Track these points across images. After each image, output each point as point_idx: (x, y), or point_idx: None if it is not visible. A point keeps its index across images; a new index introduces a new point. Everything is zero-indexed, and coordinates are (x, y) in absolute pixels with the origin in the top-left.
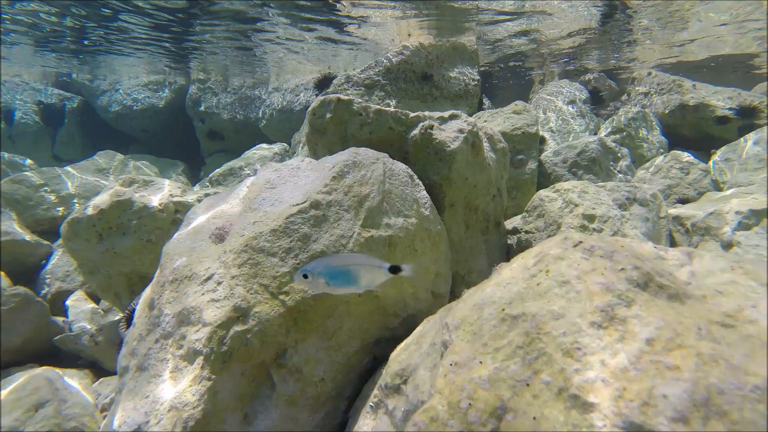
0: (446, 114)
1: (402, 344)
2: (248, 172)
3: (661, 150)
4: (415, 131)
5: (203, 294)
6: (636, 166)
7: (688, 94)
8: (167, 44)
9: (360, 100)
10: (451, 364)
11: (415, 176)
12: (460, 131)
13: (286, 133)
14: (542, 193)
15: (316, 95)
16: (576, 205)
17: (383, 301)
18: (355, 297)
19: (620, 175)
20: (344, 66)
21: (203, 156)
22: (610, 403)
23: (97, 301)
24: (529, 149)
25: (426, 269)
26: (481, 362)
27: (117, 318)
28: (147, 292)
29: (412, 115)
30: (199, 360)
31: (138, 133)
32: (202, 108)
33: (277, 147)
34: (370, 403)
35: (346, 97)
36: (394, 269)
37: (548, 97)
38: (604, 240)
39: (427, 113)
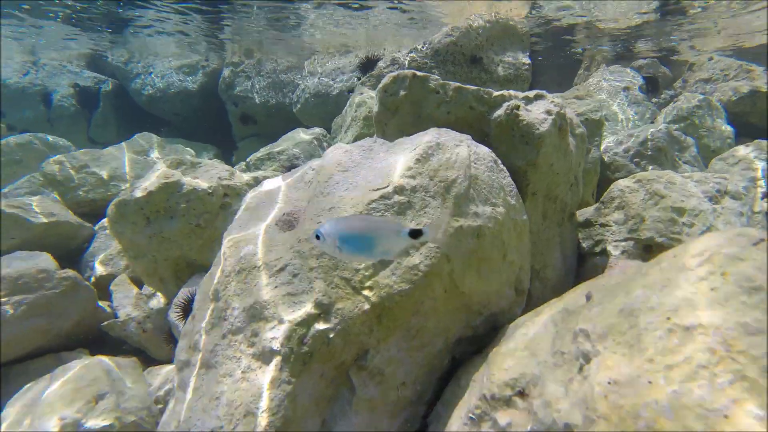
0: (531, 94)
1: (499, 349)
2: (285, 156)
3: (729, 140)
4: (500, 111)
5: (276, 287)
6: (701, 156)
7: (759, 80)
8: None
9: (437, 77)
10: (609, 383)
11: (499, 161)
12: (548, 113)
13: (321, 117)
14: (621, 183)
15: (358, 78)
16: (662, 197)
17: (469, 298)
18: (442, 292)
19: (686, 166)
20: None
21: (235, 140)
22: None
23: (139, 286)
24: (593, 137)
25: (511, 263)
26: (650, 382)
27: (162, 304)
28: (207, 282)
29: (496, 93)
30: (277, 361)
31: (170, 117)
32: (236, 91)
33: (314, 131)
34: (470, 415)
35: (422, 74)
36: (415, 233)
37: (599, 82)
38: None
39: (512, 92)
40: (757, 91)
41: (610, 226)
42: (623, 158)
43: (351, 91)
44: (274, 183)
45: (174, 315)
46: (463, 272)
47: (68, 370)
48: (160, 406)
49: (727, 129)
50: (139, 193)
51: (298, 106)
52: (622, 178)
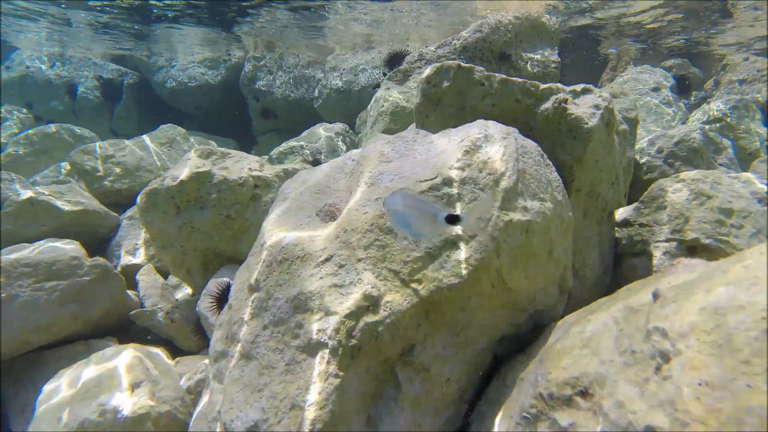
0: (578, 87)
1: (553, 347)
2: (308, 151)
3: (766, 142)
4: (547, 104)
5: (322, 278)
6: (737, 158)
7: None
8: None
9: (481, 68)
10: (699, 384)
11: (545, 155)
12: (596, 107)
13: (343, 113)
14: (663, 182)
15: (384, 74)
16: (709, 197)
17: (515, 294)
18: (489, 288)
19: (723, 169)
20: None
21: (255, 135)
22: None
23: (165, 275)
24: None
25: (557, 261)
26: (750, 386)
27: (188, 295)
28: (244, 272)
29: (543, 86)
30: (324, 353)
31: (192, 110)
32: (257, 86)
33: (337, 126)
34: (524, 414)
35: (466, 65)
36: (452, 219)
37: (628, 82)
38: None
39: (559, 85)
40: None
41: (651, 226)
42: (656, 159)
43: (375, 87)
44: (311, 173)
45: (205, 305)
46: (511, 268)
47: (104, 358)
48: (191, 396)
49: (764, 131)
50: (170, 182)
51: (320, 101)
52: (654, 179)
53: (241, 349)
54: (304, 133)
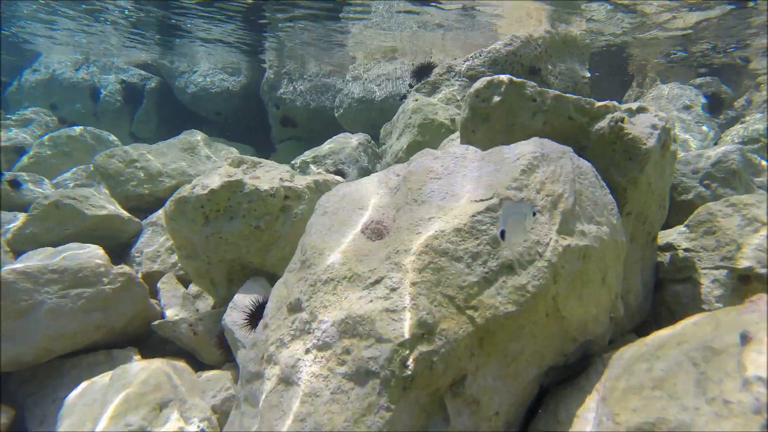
0: (633, 106)
1: (617, 384)
2: (330, 161)
3: None
4: (602, 123)
5: (372, 301)
6: None
7: None
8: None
9: (533, 83)
10: None
11: (600, 176)
12: (654, 127)
13: (363, 123)
14: (712, 206)
15: (411, 85)
16: (764, 224)
17: (568, 323)
18: (543, 317)
19: (761, 191)
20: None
21: (273, 142)
22: None
23: (186, 284)
24: None
25: (610, 287)
26: None
27: (209, 306)
28: (281, 289)
29: (599, 104)
30: (374, 383)
31: (212, 116)
32: (278, 93)
33: (360, 137)
34: None
35: (518, 79)
36: None
37: (658, 99)
38: None
39: (615, 103)
40: None
41: (698, 252)
42: (691, 179)
43: (401, 97)
44: (351, 187)
45: (236, 320)
46: (567, 295)
47: (130, 374)
48: (216, 416)
49: None
50: (200, 191)
51: (341, 110)
52: (689, 200)
53: (279, 372)
54: (327, 143)
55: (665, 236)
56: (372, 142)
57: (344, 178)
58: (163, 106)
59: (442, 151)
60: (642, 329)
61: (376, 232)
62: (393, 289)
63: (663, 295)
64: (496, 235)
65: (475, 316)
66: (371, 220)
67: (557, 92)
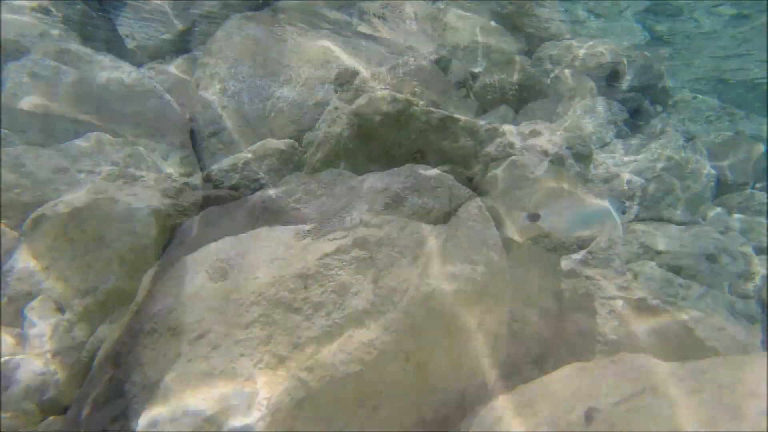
0: (526, 129)
1: None
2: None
3: (711, 183)
4: (490, 148)
5: (190, 360)
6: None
7: (741, 124)
8: None
9: (423, 102)
10: None
11: (484, 207)
12: (545, 153)
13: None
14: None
15: (336, 91)
16: (659, 252)
17: (433, 378)
18: (400, 374)
19: (677, 213)
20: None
21: None
22: None
23: None
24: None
25: (488, 332)
26: None
27: None
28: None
29: (487, 126)
30: None
31: None
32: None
33: (284, 144)
34: None
35: (402, 96)
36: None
37: (582, 115)
38: None
39: (505, 127)
40: (740, 134)
41: (597, 279)
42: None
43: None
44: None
45: None
46: (432, 348)
47: None
48: None
49: (712, 171)
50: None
51: (273, 114)
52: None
53: None
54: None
55: (570, 262)
56: (299, 148)
57: None
58: None
59: (311, 176)
60: (542, 361)
61: (220, 271)
62: (215, 347)
63: (564, 326)
64: (345, 281)
65: (308, 380)
66: (216, 257)
67: (445, 113)
